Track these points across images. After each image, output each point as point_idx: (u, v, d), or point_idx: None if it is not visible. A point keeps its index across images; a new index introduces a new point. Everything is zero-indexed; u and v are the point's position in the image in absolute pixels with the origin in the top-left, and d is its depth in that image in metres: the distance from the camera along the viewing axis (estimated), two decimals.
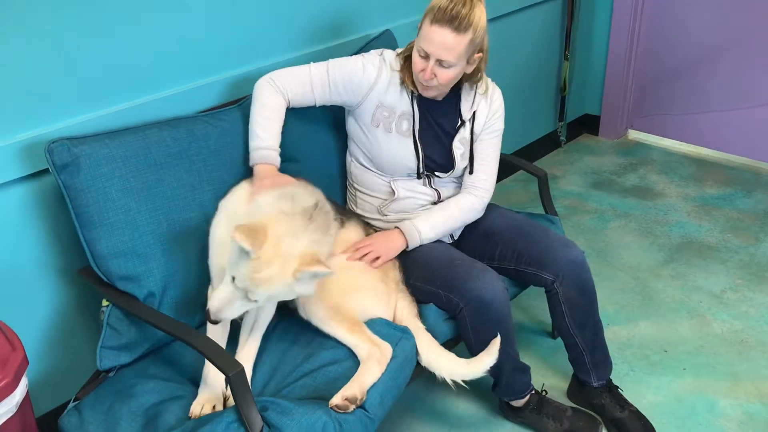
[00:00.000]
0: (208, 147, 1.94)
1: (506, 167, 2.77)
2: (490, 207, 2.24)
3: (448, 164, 2.11)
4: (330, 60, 2.05)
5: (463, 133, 2.10)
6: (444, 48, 1.86)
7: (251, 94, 2.07)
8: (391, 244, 2.02)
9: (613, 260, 2.98)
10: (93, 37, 1.87)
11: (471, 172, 2.12)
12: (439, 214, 2.08)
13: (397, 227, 2.07)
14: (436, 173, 2.11)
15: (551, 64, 3.68)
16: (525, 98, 3.56)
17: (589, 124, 4.07)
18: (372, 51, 2.08)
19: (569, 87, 3.77)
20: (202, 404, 1.65)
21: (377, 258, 1.97)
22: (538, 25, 3.48)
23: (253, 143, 1.96)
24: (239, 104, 2.10)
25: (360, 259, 1.96)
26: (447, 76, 1.92)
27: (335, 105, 2.09)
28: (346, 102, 2.06)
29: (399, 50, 2.08)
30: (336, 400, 1.63)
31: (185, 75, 2.11)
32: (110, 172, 1.75)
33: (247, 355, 1.77)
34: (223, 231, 1.81)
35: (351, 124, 2.12)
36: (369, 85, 2.02)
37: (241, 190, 1.91)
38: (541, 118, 3.79)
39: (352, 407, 1.64)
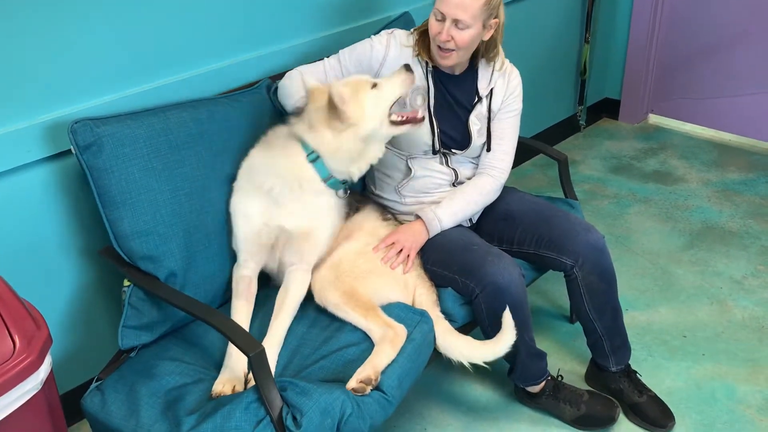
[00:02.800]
0: (228, 128, 1.95)
1: (525, 151, 2.75)
2: (510, 190, 2.23)
3: (464, 140, 2.10)
4: (341, 50, 2.06)
5: (480, 109, 2.09)
6: (459, 7, 1.87)
7: (269, 77, 2.08)
8: (416, 236, 2.01)
9: (632, 245, 2.95)
10: (114, 20, 1.87)
11: (488, 151, 2.12)
12: (459, 201, 2.07)
13: (418, 217, 2.06)
14: (453, 150, 2.10)
15: (571, 47, 3.64)
16: (544, 81, 3.52)
17: (609, 108, 4.02)
18: (382, 32, 2.09)
19: (589, 70, 3.73)
20: (223, 383, 1.67)
21: (407, 255, 1.97)
22: (558, 8, 3.44)
23: None
24: (258, 86, 2.10)
25: (389, 256, 1.95)
26: (463, 39, 1.91)
27: None
28: None
29: (413, 29, 2.08)
30: (352, 383, 1.65)
31: (205, 57, 2.11)
32: (132, 152, 1.76)
33: (272, 340, 1.77)
34: (249, 200, 1.87)
35: None
36: (379, 62, 2.02)
37: (255, 157, 1.91)
38: (561, 101, 3.75)
39: (369, 389, 1.65)
